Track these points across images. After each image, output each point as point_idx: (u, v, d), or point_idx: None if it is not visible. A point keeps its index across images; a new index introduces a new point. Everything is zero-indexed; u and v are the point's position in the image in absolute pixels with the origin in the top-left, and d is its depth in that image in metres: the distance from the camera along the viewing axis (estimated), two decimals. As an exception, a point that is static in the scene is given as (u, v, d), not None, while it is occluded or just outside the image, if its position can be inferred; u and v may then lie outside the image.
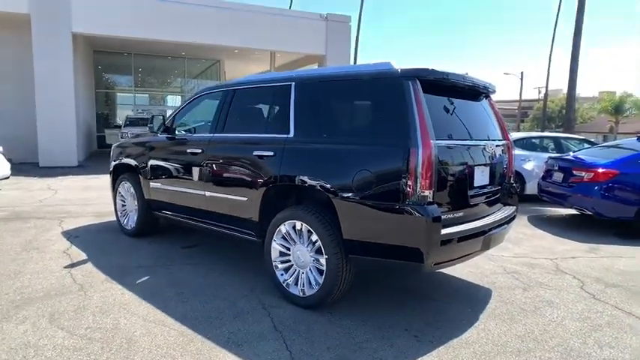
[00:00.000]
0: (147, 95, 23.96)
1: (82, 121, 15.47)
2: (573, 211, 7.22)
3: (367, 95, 3.25)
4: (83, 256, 4.60)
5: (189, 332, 3.04)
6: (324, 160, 3.29)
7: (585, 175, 6.12)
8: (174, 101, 26.20)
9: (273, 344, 2.90)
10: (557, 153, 8.47)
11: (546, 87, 35.73)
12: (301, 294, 3.45)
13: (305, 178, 3.37)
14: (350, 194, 3.10)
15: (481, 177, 3.45)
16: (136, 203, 5.23)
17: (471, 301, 3.75)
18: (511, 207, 3.92)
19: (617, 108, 37.05)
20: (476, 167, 3.38)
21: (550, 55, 36.18)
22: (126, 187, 5.41)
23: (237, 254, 4.84)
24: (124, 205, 5.53)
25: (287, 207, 3.63)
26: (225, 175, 4.09)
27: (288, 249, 3.57)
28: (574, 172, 6.31)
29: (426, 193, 2.86)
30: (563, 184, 6.52)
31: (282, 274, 3.61)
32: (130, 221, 5.40)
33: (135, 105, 22.37)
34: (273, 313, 3.35)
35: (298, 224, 3.43)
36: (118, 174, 5.58)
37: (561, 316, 3.48)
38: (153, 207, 5.05)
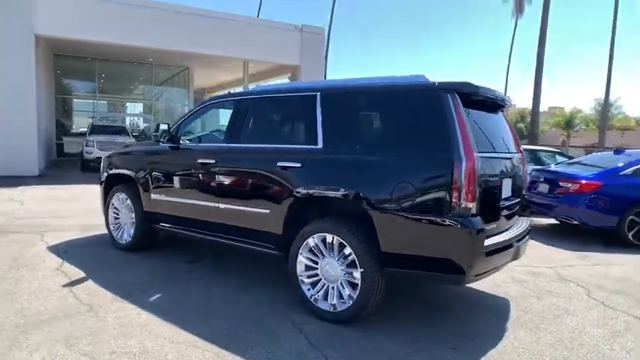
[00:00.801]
0: (108, 102, 22.96)
1: (42, 128, 14.61)
2: (554, 221, 7.54)
3: (403, 107, 3.25)
4: (80, 273, 4.29)
5: (225, 354, 2.88)
6: (360, 172, 3.25)
7: (571, 187, 6.42)
8: (135, 108, 25.36)
9: (319, 362, 2.80)
10: (535, 165, 8.86)
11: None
12: (332, 309, 3.36)
13: (338, 191, 3.31)
14: (389, 206, 3.08)
15: (507, 189, 3.52)
16: (133, 216, 4.96)
17: (493, 311, 3.80)
18: (526, 218, 4.03)
19: (568, 123, 39.55)
20: (503, 179, 3.45)
21: (507, 68, 38.10)
22: (121, 199, 5.12)
23: (245, 268, 4.68)
24: (117, 218, 5.22)
25: (314, 220, 3.55)
26: (243, 186, 3.95)
27: (316, 262, 3.48)
28: (560, 183, 6.61)
29: (470, 205, 2.88)
30: (549, 194, 6.80)
31: (308, 289, 3.52)
32: (125, 235, 5.10)
33: (94, 112, 21.41)
34: (304, 330, 3.25)
35: (329, 237, 3.36)
36: (111, 185, 5.28)
37: (581, 323, 3.59)
38: (153, 219, 4.80)
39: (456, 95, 3.03)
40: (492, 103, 3.75)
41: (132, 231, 5.01)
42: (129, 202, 5.00)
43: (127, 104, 24.96)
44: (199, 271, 4.52)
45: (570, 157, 9.36)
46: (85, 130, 20.61)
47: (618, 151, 7.24)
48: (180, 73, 22.35)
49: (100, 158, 14.37)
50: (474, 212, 2.90)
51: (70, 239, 5.58)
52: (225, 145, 4.15)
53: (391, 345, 3.08)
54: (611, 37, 25.91)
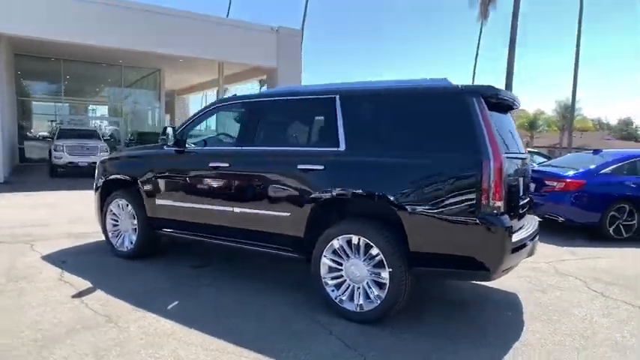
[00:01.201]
0: (70, 104, 22.01)
1: (6, 131, 13.86)
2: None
3: (428, 110, 3.33)
4: (85, 283, 4.12)
5: (262, 357, 2.86)
6: (388, 173, 3.30)
7: (557, 185, 6.73)
8: (101, 111, 24.47)
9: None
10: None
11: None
12: (358, 309, 3.39)
13: (365, 192, 3.36)
14: (418, 207, 3.15)
15: (521, 188, 3.67)
16: (135, 222, 4.81)
17: (505, 305, 3.95)
18: (533, 217, 4.20)
19: (531, 124, 41.32)
20: (519, 178, 3.59)
21: (474, 71, 39.33)
22: (120, 205, 4.95)
23: (254, 271, 4.64)
24: (115, 225, 5.05)
25: (334, 222, 3.56)
26: (260, 189, 3.91)
27: (340, 264, 3.50)
28: (546, 182, 6.92)
29: (499, 203, 2.99)
30: (535, 193, 7.09)
31: (333, 290, 3.53)
32: (127, 242, 4.94)
33: (57, 114, 20.51)
34: (334, 331, 3.26)
35: (355, 238, 3.39)
36: (109, 191, 5.10)
37: (589, 313, 3.78)
38: (158, 225, 4.67)
39: (481, 98, 3.14)
40: (505, 105, 3.87)
41: (134, 238, 4.86)
42: (130, 208, 4.84)
43: (94, 107, 24.07)
44: (208, 276, 4.44)
45: (549, 158, 9.80)
46: (47, 133, 19.71)
47: (597, 151, 7.65)
48: (150, 74, 21.79)
49: (71, 163, 14.24)
50: (502, 210, 3.01)
51: (62, 248, 5.34)
52: (239, 148, 4.10)
53: (418, 343, 3.14)
54: (577, 42, 26.88)
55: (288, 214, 3.72)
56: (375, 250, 3.30)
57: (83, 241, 5.67)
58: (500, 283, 4.50)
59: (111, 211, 5.05)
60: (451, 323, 3.49)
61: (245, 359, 2.85)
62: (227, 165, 4.08)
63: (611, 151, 7.60)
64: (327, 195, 3.51)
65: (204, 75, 20.73)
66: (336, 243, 3.48)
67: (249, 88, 26.85)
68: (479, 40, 40.28)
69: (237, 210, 4.02)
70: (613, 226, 6.59)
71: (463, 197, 3.04)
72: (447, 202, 3.08)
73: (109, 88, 22.48)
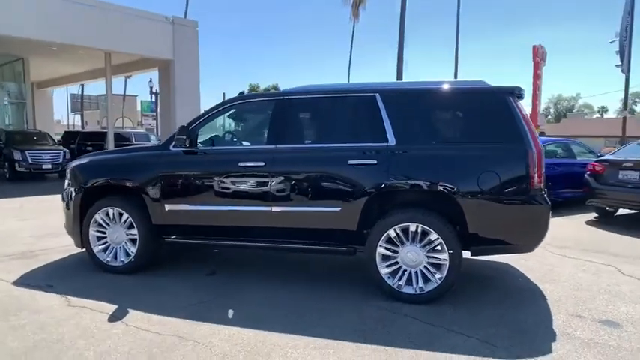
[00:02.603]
0: None
1: None
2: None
3: (472, 107, 3.74)
4: (106, 305, 3.61)
5: (368, 346, 2.97)
6: (443, 164, 3.62)
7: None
8: None
9: (456, 337, 3.12)
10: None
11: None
12: (419, 291, 3.68)
13: (426, 183, 3.64)
14: (475, 192, 3.55)
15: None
16: (134, 232, 4.32)
17: (510, 274, 4.62)
18: None
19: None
20: None
21: (349, 68, 41.72)
22: (111, 215, 4.38)
23: (279, 269, 4.57)
24: (101, 238, 4.45)
25: (388, 213, 3.77)
26: (303, 187, 3.90)
27: (396, 251, 3.74)
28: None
29: (541, 185, 3.55)
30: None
31: (389, 277, 3.75)
32: (122, 255, 4.40)
33: None
34: (409, 314, 3.48)
35: (412, 226, 3.65)
36: (91, 198, 4.46)
37: (571, 271, 4.65)
38: (167, 233, 4.29)
39: (515, 96, 3.66)
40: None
41: (132, 249, 4.35)
42: (126, 216, 4.33)
43: None
44: (235, 282, 4.22)
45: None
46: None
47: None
48: (6, 64, 18.49)
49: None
50: (543, 191, 3.59)
51: (34, 268, 4.56)
52: (273, 146, 4.00)
53: (484, 310, 3.56)
54: (456, 38, 30.00)
55: (339, 209, 3.81)
56: (434, 235, 3.61)
57: (53, 258, 4.88)
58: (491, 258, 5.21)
59: (95, 221, 4.44)
60: (484, 295, 3.97)
61: (349, 349, 2.92)
62: (262, 164, 3.96)
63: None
64: (383, 188, 3.70)
65: (87, 64, 18.39)
66: (392, 232, 3.70)
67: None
68: (352, 38, 43.01)
69: (276, 209, 3.94)
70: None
71: (513, 182, 3.54)
72: (499, 186, 3.54)
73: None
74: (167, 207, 4.20)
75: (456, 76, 21.33)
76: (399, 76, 20.63)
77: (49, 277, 4.29)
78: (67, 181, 4.65)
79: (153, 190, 4.22)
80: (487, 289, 4.09)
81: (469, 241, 3.63)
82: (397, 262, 3.75)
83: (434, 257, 3.65)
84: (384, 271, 3.75)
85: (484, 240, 3.62)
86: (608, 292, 4.06)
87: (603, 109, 72.73)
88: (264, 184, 3.97)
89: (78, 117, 50.55)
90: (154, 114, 53.01)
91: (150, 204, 4.24)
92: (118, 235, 4.41)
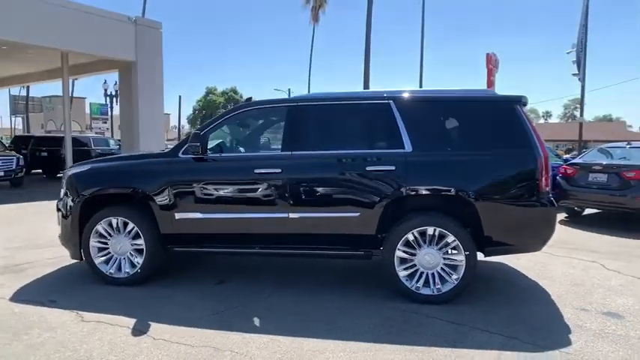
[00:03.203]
0: None
1: None
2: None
3: (483, 115, 3.92)
4: (123, 319, 3.46)
5: (405, 348, 3.05)
6: (460, 170, 3.78)
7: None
8: None
9: (481, 334, 3.27)
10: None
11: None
12: (436, 292, 3.81)
13: (441, 187, 3.78)
14: (489, 196, 3.74)
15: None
16: (140, 242, 4.16)
17: (510, 273, 4.87)
18: None
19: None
20: None
21: (309, 72, 42.02)
22: (115, 225, 4.20)
23: (284, 275, 4.55)
24: (103, 249, 4.26)
25: (407, 216, 3.87)
26: (324, 193, 3.93)
27: (412, 254, 3.85)
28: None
29: (548, 189, 3.79)
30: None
31: (407, 280, 3.86)
32: (126, 267, 4.23)
33: None
34: (430, 314, 3.60)
35: (430, 229, 3.78)
36: (91, 208, 4.26)
37: (561, 268, 4.97)
38: (176, 242, 4.17)
39: (522, 104, 3.89)
40: None
41: (138, 260, 4.19)
42: (132, 226, 4.17)
43: None
44: (248, 290, 4.17)
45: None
46: None
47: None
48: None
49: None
50: (550, 194, 3.83)
51: (26, 283, 4.28)
52: (290, 152, 3.99)
53: (497, 307, 3.73)
54: (421, 46, 30.79)
55: (357, 214, 3.87)
56: (450, 238, 3.75)
57: (44, 272, 4.56)
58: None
59: (96, 232, 4.24)
60: (494, 294, 4.15)
61: (394, 351, 2.99)
62: (279, 171, 3.95)
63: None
64: (401, 192, 3.81)
65: (38, 64, 17.32)
66: (410, 236, 3.81)
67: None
68: (312, 42, 43.32)
69: (293, 216, 3.94)
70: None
71: (524, 185, 3.76)
72: (512, 190, 3.76)
73: None
74: (177, 215, 4.09)
75: (421, 83, 22.15)
76: (366, 85, 21.02)
77: (47, 292, 4.04)
78: (63, 190, 4.40)
79: (162, 198, 4.09)
80: (494, 288, 4.29)
81: (483, 243, 3.81)
82: (414, 265, 3.86)
83: (450, 259, 3.80)
84: (402, 273, 3.85)
85: (498, 241, 3.81)
86: (601, 286, 4.38)
87: (547, 115, 77.64)
88: (281, 190, 3.96)
89: (19, 120, 47.50)
90: (106, 117, 50.86)
91: (158, 213, 4.11)
92: (122, 246, 4.23)
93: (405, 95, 4.03)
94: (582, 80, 16.52)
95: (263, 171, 3.99)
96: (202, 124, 4.28)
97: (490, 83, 23.29)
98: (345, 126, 4.19)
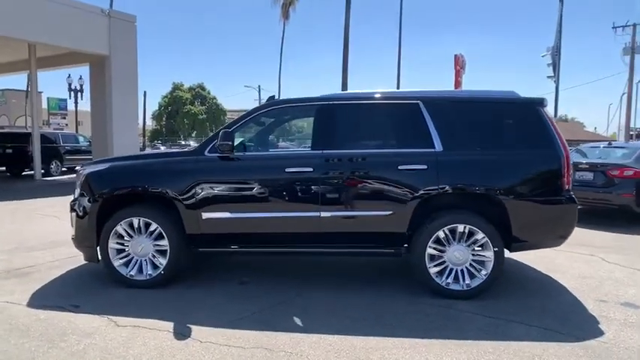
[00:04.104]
0: None
1: None
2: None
3: (508, 116, 4.06)
4: (158, 322, 3.36)
5: (461, 342, 3.13)
6: (489, 169, 3.90)
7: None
8: None
9: (519, 327, 3.39)
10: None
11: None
12: (465, 288, 3.91)
13: (472, 186, 3.88)
14: (519, 194, 3.87)
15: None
16: (164, 242, 4.04)
17: (521, 267, 5.06)
18: None
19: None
20: None
21: (279, 70, 41.81)
22: (136, 225, 4.05)
23: (304, 274, 4.54)
24: (122, 251, 4.10)
25: (438, 214, 3.95)
26: (356, 192, 3.95)
27: (442, 251, 3.94)
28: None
29: (570, 186, 3.97)
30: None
31: (437, 276, 3.94)
32: (148, 269, 4.09)
33: None
34: (464, 309, 3.70)
35: (461, 227, 3.88)
36: (109, 209, 4.09)
37: (565, 262, 5.21)
38: (202, 243, 4.08)
39: (544, 106, 4.06)
40: None
41: (162, 262, 4.06)
42: (155, 227, 4.04)
43: None
44: (272, 289, 4.14)
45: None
46: None
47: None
48: None
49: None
50: (571, 191, 4.01)
51: (38, 287, 4.08)
52: (321, 151, 3.98)
53: (517, 298, 3.91)
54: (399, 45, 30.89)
55: (390, 212, 3.92)
56: (480, 235, 3.86)
57: (43, 278, 4.33)
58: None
59: (116, 233, 4.08)
60: (516, 287, 4.28)
61: (444, 346, 3.06)
62: (311, 170, 3.93)
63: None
64: (433, 191, 3.89)
65: (1, 55, 16.34)
66: (441, 233, 3.89)
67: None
68: (282, 39, 43.07)
69: (325, 215, 3.94)
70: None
71: (550, 184, 3.93)
72: (538, 188, 3.92)
73: None
74: (205, 215, 4.00)
75: (398, 82, 22.50)
76: (344, 87, 21.11)
77: (65, 297, 3.85)
78: (78, 190, 4.20)
79: (188, 197, 3.98)
80: (514, 282, 4.45)
81: (510, 239, 3.94)
82: (444, 262, 3.95)
83: (479, 255, 3.91)
84: (432, 270, 3.93)
85: (524, 237, 3.96)
86: (609, 278, 4.64)
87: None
88: (313, 189, 3.95)
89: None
90: (65, 112, 48.57)
91: (184, 213, 4.00)
92: (143, 247, 4.09)
93: (433, 96, 4.11)
94: (557, 82, 17.38)
95: (294, 170, 3.96)
96: (229, 123, 4.19)
97: (457, 84, 23.95)
98: (375, 125, 4.21)
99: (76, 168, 4.48)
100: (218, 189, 4.02)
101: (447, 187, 3.90)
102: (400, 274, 4.65)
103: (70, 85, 25.95)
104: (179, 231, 4.05)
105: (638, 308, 3.82)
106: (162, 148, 42.04)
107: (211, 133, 4.33)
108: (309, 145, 4.10)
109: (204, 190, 3.99)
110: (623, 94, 30.13)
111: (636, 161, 7.33)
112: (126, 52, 15.81)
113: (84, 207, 4.12)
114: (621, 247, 6.02)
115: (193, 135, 52.79)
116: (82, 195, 4.16)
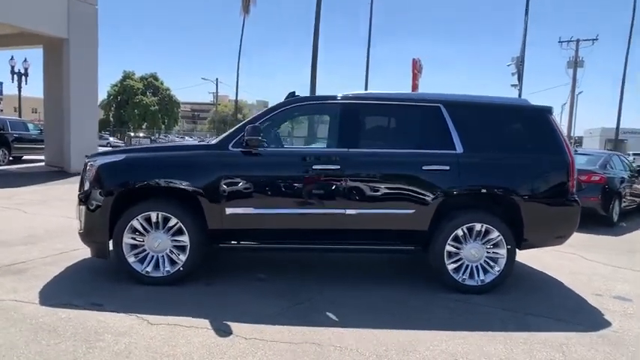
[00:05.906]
0: None
1: None
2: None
3: (521, 122, 4.32)
4: (196, 320, 3.26)
5: (494, 334, 3.30)
6: (506, 171, 4.12)
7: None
8: None
9: (535, 319, 3.63)
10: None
11: (236, 94, 40.63)
12: (479, 283, 4.12)
13: (491, 187, 4.09)
14: (532, 195, 4.13)
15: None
16: (184, 238, 3.91)
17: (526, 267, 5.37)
18: None
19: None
20: None
21: (238, 65, 41.11)
22: (154, 220, 3.90)
23: (320, 271, 4.58)
24: (137, 247, 3.93)
25: (456, 213, 4.12)
26: (381, 190, 4.02)
27: (458, 248, 4.12)
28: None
29: (574, 189, 4.29)
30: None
31: (454, 272, 4.12)
32: (165, 265, 3.94)
33: None
34: (481, 303, 3.90)
35: (478, 226, 4.08)
36: (124, 204, 3.90)
37: (555, 261, 5.58)
38: (225, 238, 4.00)
39: (551, 114, 4.35)
40: None
41: (181, 258, 3.93)
42: (174, 221, 3.90)
43: None
44: (293, 285, 4.14)
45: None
46: None
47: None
48: None
49: None
50: (575, 194, 4.33)
51: (45, 284, 3.83)
52: (347, 149, 4.02)
53: (532, 290, 4.17)
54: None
55: (413, 210, 4.04)
56: (495, 233, 4.08)
57: (47, 274, 4.05)
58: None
59: (131, 227, 3.90)
60: (520, 283, 4.53)
61: (480, 338, 3.22)
62: (337, 167, 3.97)
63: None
64: (454, 191, 4.05)
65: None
66: (460, 232, 4.07)
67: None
68: (242, 34, 42.31)
69: (350, 212, 3.99)
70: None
71: (558, 186, 4.22)
72: (548, 190, 4.20)
73: None
74: (228, 210, 3.91)
75: (366, 83, 22.86)
76: (313, 88, 21.09)
77: (78, 295, 3.62)
78: (88, 182, 3.96)
79: (212, 192, 3.89)
80: (518, 278, 4.70)
81: (521, 238, 4.20)
82: (460, 258, 4.14)
83: (494, 252, 4.13)
84: (450, 266, 4.11)
85: (534, 236, 4.23)
86: (595, 274, 5.06)
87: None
88: (339, 186, 3.99)
89: None
90: (0, 97, 44.93)
91: (207, 207, 3.89)
92: (160, 243, 3.94)
93: (453, 100, 4.28)
94: (520, 90, 18.42)
95: (321, 167, 3.98)
96: (252, 117, 4.12)
97: (414, 87, 24.66)
98: (399, 125, 4.33)
99: (85, 158, 4.20)
100: (243, 184, 3.95)
101: (467, 188, 4.09)
102: (411, 270, 4.82)
103: (12, 67, 23.98)
104: (200, 226, 3.94)
105: (631, 301, 4.21)
106: (111, 139, 40.04)
107: (232, 128, 4.22)
108: (327, 142, 4.13)
109: (229, 185, 3.91)
110: (564, 104, 32.54)
111: (601, 167, 7.98)
112: (85, 36, 14.87)
113: (96, 200, 3.90)
114: (595, 246, 6.56)
115: (144, 127, 50.66)
116: (93, 187, 3.93)
